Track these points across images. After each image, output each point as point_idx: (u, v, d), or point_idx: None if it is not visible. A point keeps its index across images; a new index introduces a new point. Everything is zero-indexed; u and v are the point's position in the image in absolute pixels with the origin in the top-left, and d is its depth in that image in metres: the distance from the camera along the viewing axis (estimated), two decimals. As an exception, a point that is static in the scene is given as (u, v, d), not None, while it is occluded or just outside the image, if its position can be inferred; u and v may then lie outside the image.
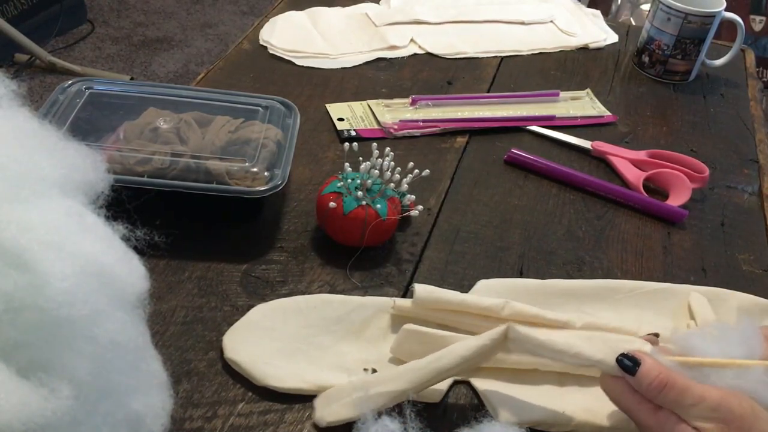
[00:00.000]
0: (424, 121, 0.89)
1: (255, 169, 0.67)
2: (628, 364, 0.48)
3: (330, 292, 0.65)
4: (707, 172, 0.83)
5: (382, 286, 0.66)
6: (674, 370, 0.48)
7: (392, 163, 0.69)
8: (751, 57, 1.16)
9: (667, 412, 0.47)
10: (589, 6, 1.38)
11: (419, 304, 0.61)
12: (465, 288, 0.66)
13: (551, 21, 1.17)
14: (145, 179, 0.64)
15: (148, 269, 0.47)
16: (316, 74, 0.98)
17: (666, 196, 0.82)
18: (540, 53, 1.10)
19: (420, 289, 0.61)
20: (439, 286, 0.62)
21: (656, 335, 0.54)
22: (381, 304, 0.63)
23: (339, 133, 0.86)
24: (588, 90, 1.01)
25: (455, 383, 0.59)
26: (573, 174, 0.82)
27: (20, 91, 0.47)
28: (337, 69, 0.99)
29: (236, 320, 0.60)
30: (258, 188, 0.65)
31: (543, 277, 0.69)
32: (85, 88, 0.74)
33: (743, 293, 0.68)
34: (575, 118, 0.94)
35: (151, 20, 2.71)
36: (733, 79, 1.09)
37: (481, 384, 0.58)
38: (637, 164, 0.85)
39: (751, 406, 0.46)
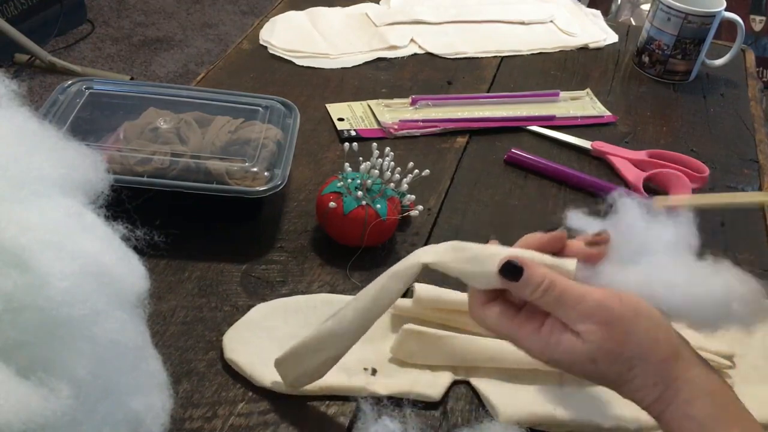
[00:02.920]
0: (424, 121, 0.89)
1: (255, 169, 0.67)
2: (511, 271, 0.46)
3: (330, 292, 0.65)
4: (707, 172, 0.83)
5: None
6: (556, 274, 0.45)
7: (392, 163, 0.69)
8: (751, 57, 1.16)
9: (549, 325, 0.45)
10: (589, 6, 1.38)
11: (419, 303, 0.61)
12: (465, 288, 0.66)
13: (551, 21, 1.17)
14: (145, 179, 0.64)
15: (148, 269, 0.47)
16: (316, 74, 0.97)
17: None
18: (540, 53, 1.10)
19: (420, 288, 0.61)
20: (439, 286, 0.62)
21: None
22: (381, 304, 0.63)
23: (339, 133, 0.86)
24: (588, 90, 1.01)
25: (455, 383, 0.59)
26: (573, 174, 0.82)
27: (20, 91, 0.47)
28: (337, 69, 0.99)
29: (236, 320, 0.60)
30: (258, 188, 0.65)
31: (543, 277, 0.68)
32: (85, 88, 0.74)
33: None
34: (575, 118, 0.94)
35: (151, 20, 2.71)
36: (733, 79, 1.09)
37: (481, 384, 0.58)
38: (637, 164, 0.85)
39: (635, 306, 0.44)
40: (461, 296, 0.61)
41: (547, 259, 0.47)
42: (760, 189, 0.86)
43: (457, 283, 0.67)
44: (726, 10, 0.99)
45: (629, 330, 0.43)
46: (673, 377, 0.43)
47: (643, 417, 0.56)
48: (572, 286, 0.44)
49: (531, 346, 0.46)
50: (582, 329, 0.44)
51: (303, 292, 0.64)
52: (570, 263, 0.47)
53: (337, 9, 1.13)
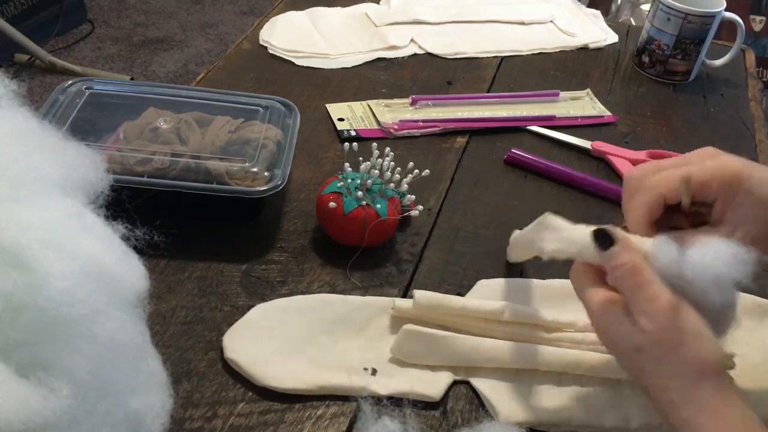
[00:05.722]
0: (424, 121, 0.89)
1: (255, 169, 0.67)
2: (603, 239, 0.48)
3: (330, 292, 0.65)
4: (707, 172, 0.83)
5: (382, 286, 0.66)
6: (646, 264, 0.46)
7: (392, 163, 0.69)
8: (751, 57, 1.16)
9: (615, 304, 0.47)
10: (589, 6, 1.38)
11: (419, 309, 0.61)
12: (465, 288, 0.66)
13: (551, 21, 1.17)
14: (145, 179, 0.64)
15: (148, 269, 0.47)
16: (316, 74, 0.98)
17: (666, 196, 0.82)
18: (540, 53, 1.10)
19: (420, 295, 0.61)
20: (439, 286, 0.62)
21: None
22: (381, 305, 0.63)
23: (339, 133, 0.86)
24: (588, 90, 1.01)
25: (455, 383, 0.59)
26: (573, 174, 0.82)
27: (20, 91, 0.47)
28: (337, 69, 0.99)
29: (236, 320, 0.60)
30: (258, 188, 0.65)
31: (543, 277, 0.68)
32: (85, 88, 0.74)
33: (743, 293, 0.68)
34: (575, 118, 0.94)
35: (151, 20, 2.71)
36: (733, 79, 1.09)
37: (481, 384, 0.58)
38: (637, 164, 0.85)
39: (697, 326, 0.45)
40: (461, 301, 0.61)
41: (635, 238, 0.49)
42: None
43: (457, 284, 0.67)
44: (726, 10, 0.99)
45: (685, 342, 0.44)
46: (706, 406, 0.44)
47: (643, 417, 0.57)
48: (651, 283, 0.46)
49: (591, 304, 0.48)
50: (642, 322, 0.45)
51: (303, 292, 0.64)
52: (648, 243, 0.48)
53: (337, 9, 1.13)
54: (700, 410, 0.44)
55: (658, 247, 0.48)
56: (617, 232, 0.48)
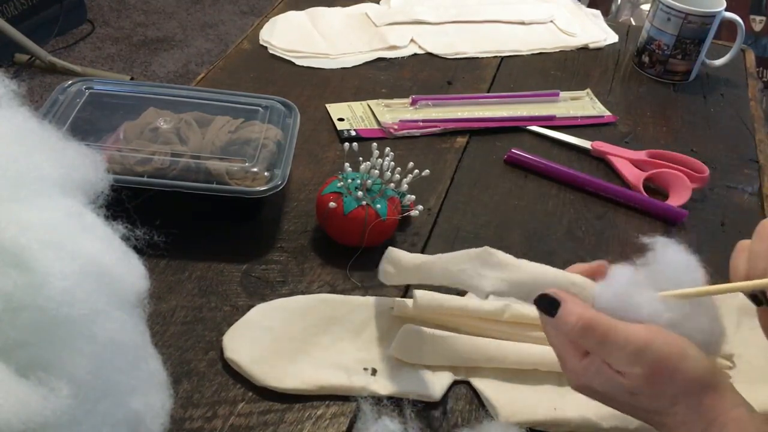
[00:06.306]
0: (424, 121, 0.89)
1: (255, 169, 0.67)
2: (547, 305, 0.45)
3: (330, 292, 0.65)
4: (707, 172, 0.83)
5: (382, 286, 0.66)
6: (596, 313, 0.44)
7: (392, 163, 0.69)
8: (751, 57, 1.16)
9: (592, 357, 0.45)
10: (589, 6, 1.38)
11: (420, 309, 0.61)
12: (464, 293, 0.66)
13: (551, 21, 1.17)
14: (145, 179, 0.64)
15: (148, 269, 0.47)
16: (316, 74, 0.97)
17: (666, 196, 0.82)
18: (540, 53, 1.10)
19: (420, 295, 0.61)
20: (440, 286, 0.62)
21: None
22: (381, 304, 0.63)
23: (339, 133, 0.86)
24: (588, 90, 1.01)
25: (455, 383, 0.59)
26: (573, 174, 0.82)
27: (20, 91, 0.47)
28: (337, 69, 0.99)
29: (236, 320, 0.60)
30: (258, 188, 0.65)
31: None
32: (85, 88, 0.74)
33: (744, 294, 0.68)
34: (575, 118, 0.94)
35: (151, 20, 2.71)
36: (733, 79, 1.09)
37: (481, 384, 0.58)
38: (637, 164, 0.85)
39: (680, 345, 0.43)
40: (462, 302, 0.61)
41: (576, 278, 0.47)
42: (760, 189, 0.86)
43: (456, 290, 0.67)
44: (726, 10, 0.99)
45: (676, 368, 0.43)
46: (716, 415, 0.43)
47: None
48: (616, 329, 0.43)
49: (572, 368, 0.46)
50: (626, 372, 0.43)
51: (303, 292, 0.64)
52: (590, 285, 0.47)
53: (337, 9, 1.13)
54: (711, 422, 0.43)
55: (602, 289, 0.46)
56: (557, 293, 0.46)
